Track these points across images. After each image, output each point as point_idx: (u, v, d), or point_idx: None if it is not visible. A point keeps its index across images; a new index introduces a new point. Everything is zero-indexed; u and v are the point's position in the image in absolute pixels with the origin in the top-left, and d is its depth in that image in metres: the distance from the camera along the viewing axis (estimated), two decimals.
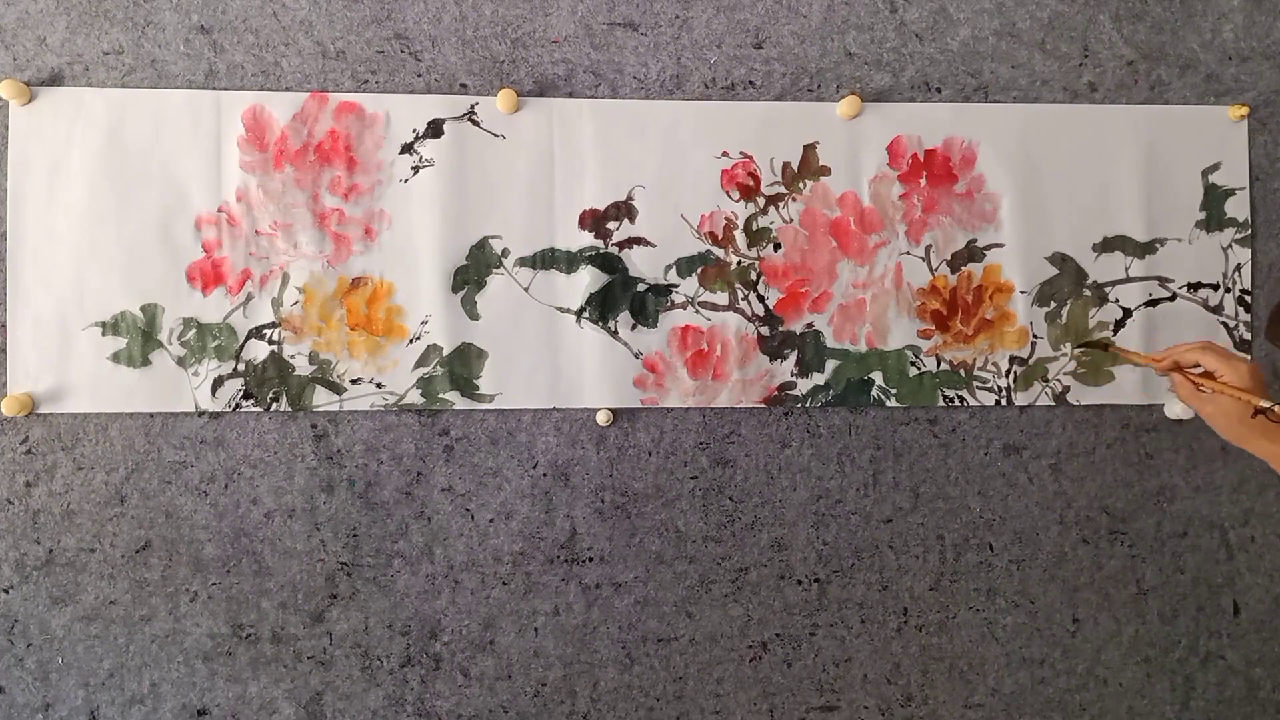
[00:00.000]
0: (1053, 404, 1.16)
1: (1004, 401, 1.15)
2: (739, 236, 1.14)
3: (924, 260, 1.15)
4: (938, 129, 1.15)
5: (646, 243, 1.13)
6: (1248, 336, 1.17)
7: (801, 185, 1.14)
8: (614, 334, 1.13)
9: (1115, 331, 1.16)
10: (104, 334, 1.09)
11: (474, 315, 1.12)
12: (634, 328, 1.13)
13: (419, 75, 1.12)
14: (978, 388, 1.15)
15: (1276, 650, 1.20)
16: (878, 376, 1.14)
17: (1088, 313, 1.16)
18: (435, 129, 1.11)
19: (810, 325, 1.14)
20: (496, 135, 1.12)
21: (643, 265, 1.13)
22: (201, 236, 1.10)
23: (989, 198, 1.15)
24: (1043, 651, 1.18)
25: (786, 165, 1.14)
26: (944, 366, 1.15)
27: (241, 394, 1.10)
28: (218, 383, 1.10)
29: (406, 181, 1.11)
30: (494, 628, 1.13)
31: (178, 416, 1.10)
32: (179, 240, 1.09)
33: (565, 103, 1.12)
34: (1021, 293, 1.15)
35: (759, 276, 1.14)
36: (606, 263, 1.12)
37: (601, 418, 1.12)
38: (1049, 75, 1.16)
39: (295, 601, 1.12)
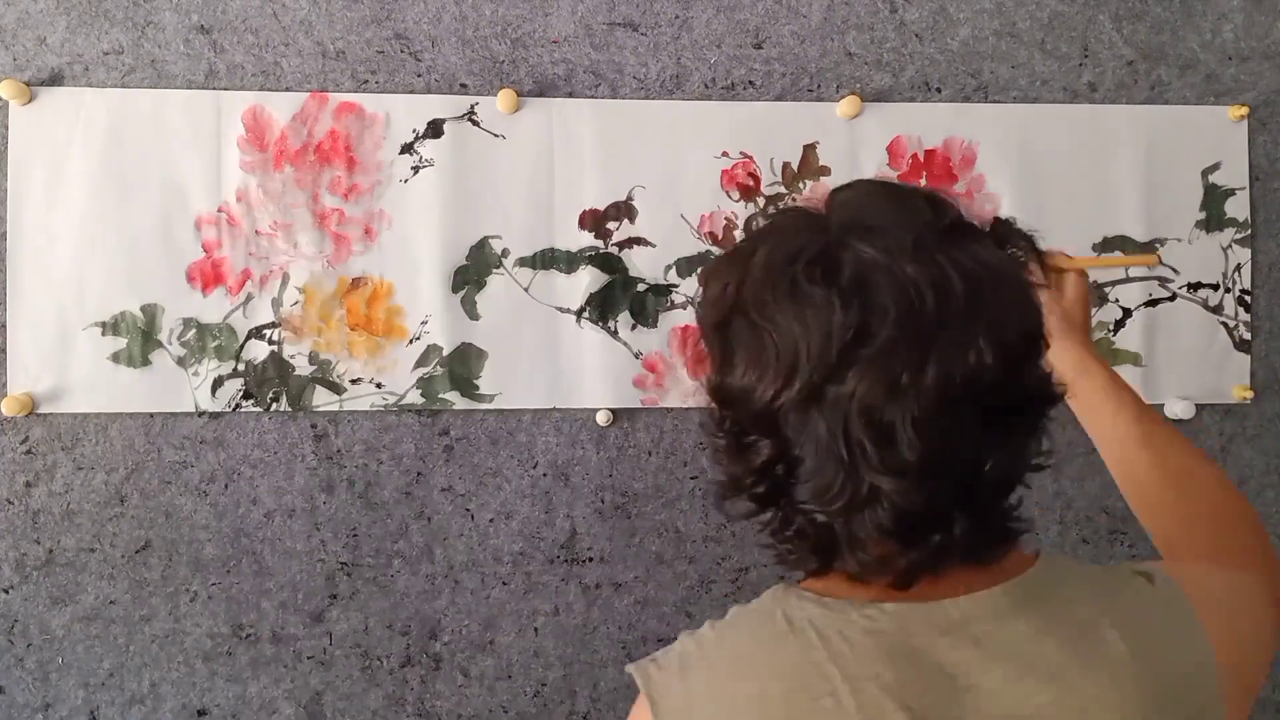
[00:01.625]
0: None
1: None
2: (739, 236, 1.14)
3: None
4: (938, 129, 1.15)
5: (646, 243, 1.13)
6: (1248, 336, 1.17)
7: (801, 185, 1.14)
8: (614, 334, 1.13)
9: (1115, 331, 1.16)
10: (104, 334, 1.09)
11: (474, 315, 1.12)
12: (634, 328, 1.13)
13: (419, 75, 1.12)
14: None
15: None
16: None
17: None
18: (435, 129, 1.11)
19: None
20: (496, 135, 1.12)
21: (643, 265, 1.13)
22: (201, 236, 1.10)
23: (989, 198, 1.15)
24: None
25: (786, 165, 1.14)
26: None
27: (241, 394, 1.10)
28: (218, 383, 1.10)
29: (406, 181, 1.11)
30: (494, 628, 1.13)
31: (178, 416, 1.10)
32: (179, 240, 1.09)
33: (565, 103, 1.12)
34: None
35: None
36: (606, 263, 1.12)
37: (601, 418, 1.12)
38: (1049, 75, 1.16)
39: (295, 601, 1.12)
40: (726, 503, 0.55)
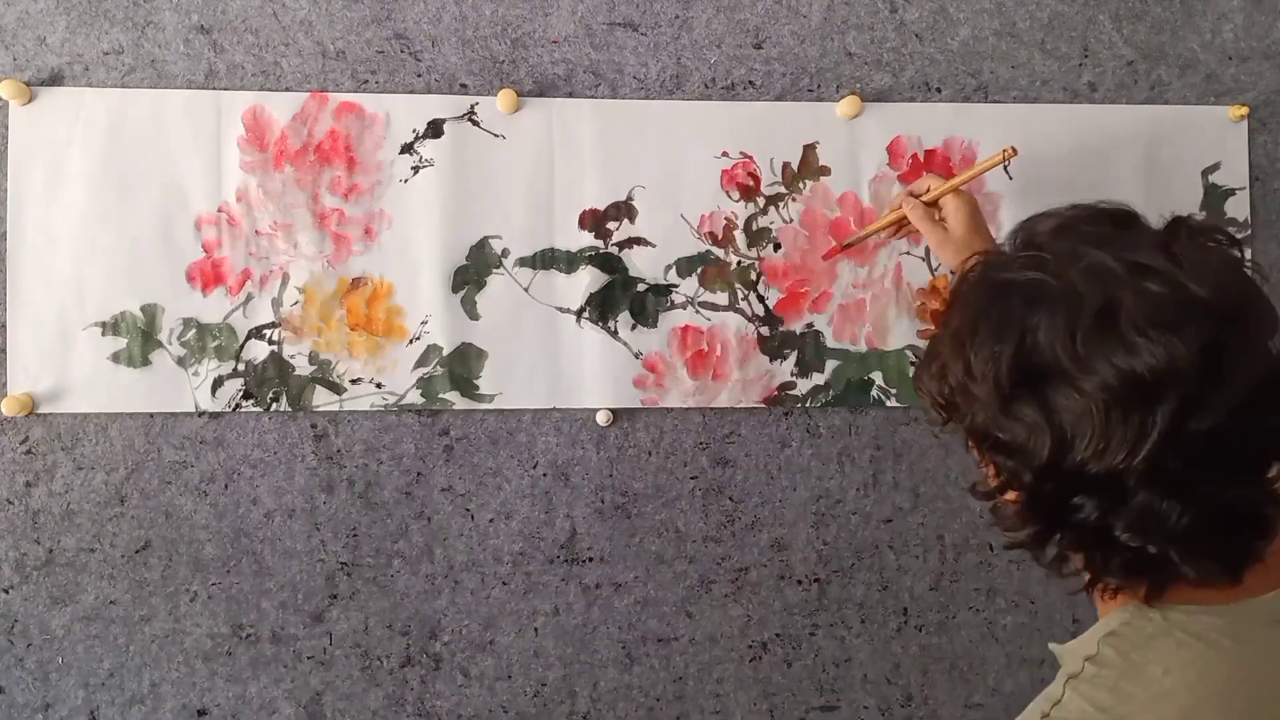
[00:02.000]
0: None
1: None
2: (739, 236, 1.14)
3: (924, 260, 1.15)
4: (938, 129, 1.15)
5: (646, 243, 1.13)
6: None
7: (801, 185, 1.14)
8: (614, 334, 1.13)
9: None
10: (104, 334, 1.09)
11: (474, 315, 1.12)
12: (634, 328, 1.13)
13: (419, 75, 1.12)
14: None
15: None
16: (878, 376, 1.14)
17: None
18: (435, 129, 1.11)
19: (810, 325, 1.14)
20: (496, 135, 1.12)
21: (643, 265, 1.13)
22: (201, 236, 1.10)
23: (989, 198, 1.15)
24: (1043, 651, 1.18)
25: (786, 165, 1.14)
26: None
27: (241, 394, 1.10)
28: (218, 383, 1.10)
29: (406, 181, 1.11)
30: (494, 628, 1.13)
31: (178, 416, 1.10)
32: (179, 240, 1.09)
33: (565, 103, 1.12)
34: None
35: (759, 276, 1.14)
36: (606, 263, 1.12)
37: (601, 418, 1.12)
38: (1049, 75, 1.16)
39: (295, 601, 1.12)
40: (1038, 556, 0.55)
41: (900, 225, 1.07)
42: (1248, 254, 1.16)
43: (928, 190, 1.00)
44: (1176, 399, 0.47)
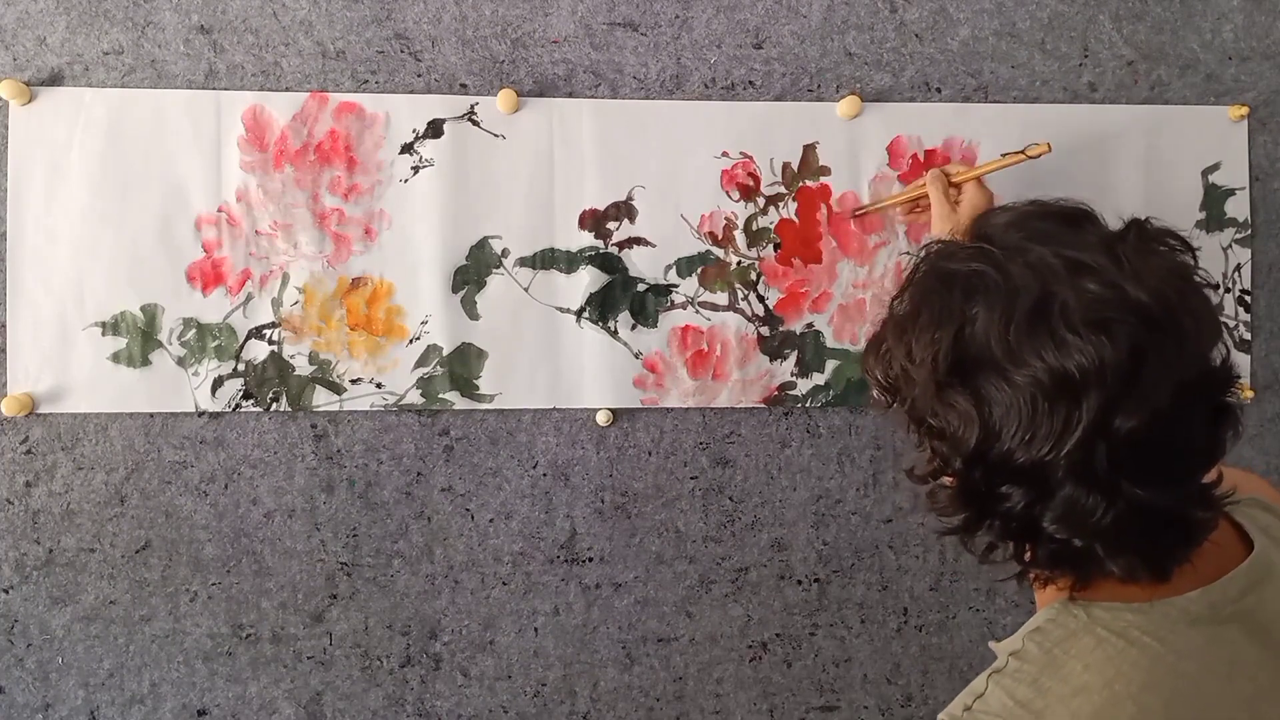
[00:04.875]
0: None
1: None
2: (739, 236, 1.14)
3: None
4: (938, 129, 1.15)
5: (646, 243, 1.13)
6: (1248, 336, 1.17)
7: (801, 185, 1.14)
8: (614, 334, 1.13)
9: None
10: (104, 334, 1.09)
11: (474, 315, 1.12)
12: (634, 328, 1.13)
13: (419, 75, 1.12)
14: None
15: None
16: None
17: None
18: (435, 129, 1.11)
19: (810, 325, 1.14)
20: (496, 135, 1.12)
21: (643, 265, 1.13)
22: (201, 236, 1.10)
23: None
24: None
25: (786, 165, 1.14)
26: None
27: (241, 394, 1.10)
28: (218, 383, 1.10)
29: (406, 181, 1.11)
30: (494, 628, 1.13)
31: (178, 416, 1.10)
32: (179, 240, 1.09)
33: (565, 103, 1.12)
34: None
35: (759, 276, 1.14)
36: (606, 263, 1.12)
37: (601, 418, 1.12)
38: (1049, 75, 1.16)
39: (295, 601, 1.12)
40: (967, 543, 0.57)
41: (917, 203, 1.07)
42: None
43: (958, 173, 1.00)
44: (1103, 396, 0.47)
